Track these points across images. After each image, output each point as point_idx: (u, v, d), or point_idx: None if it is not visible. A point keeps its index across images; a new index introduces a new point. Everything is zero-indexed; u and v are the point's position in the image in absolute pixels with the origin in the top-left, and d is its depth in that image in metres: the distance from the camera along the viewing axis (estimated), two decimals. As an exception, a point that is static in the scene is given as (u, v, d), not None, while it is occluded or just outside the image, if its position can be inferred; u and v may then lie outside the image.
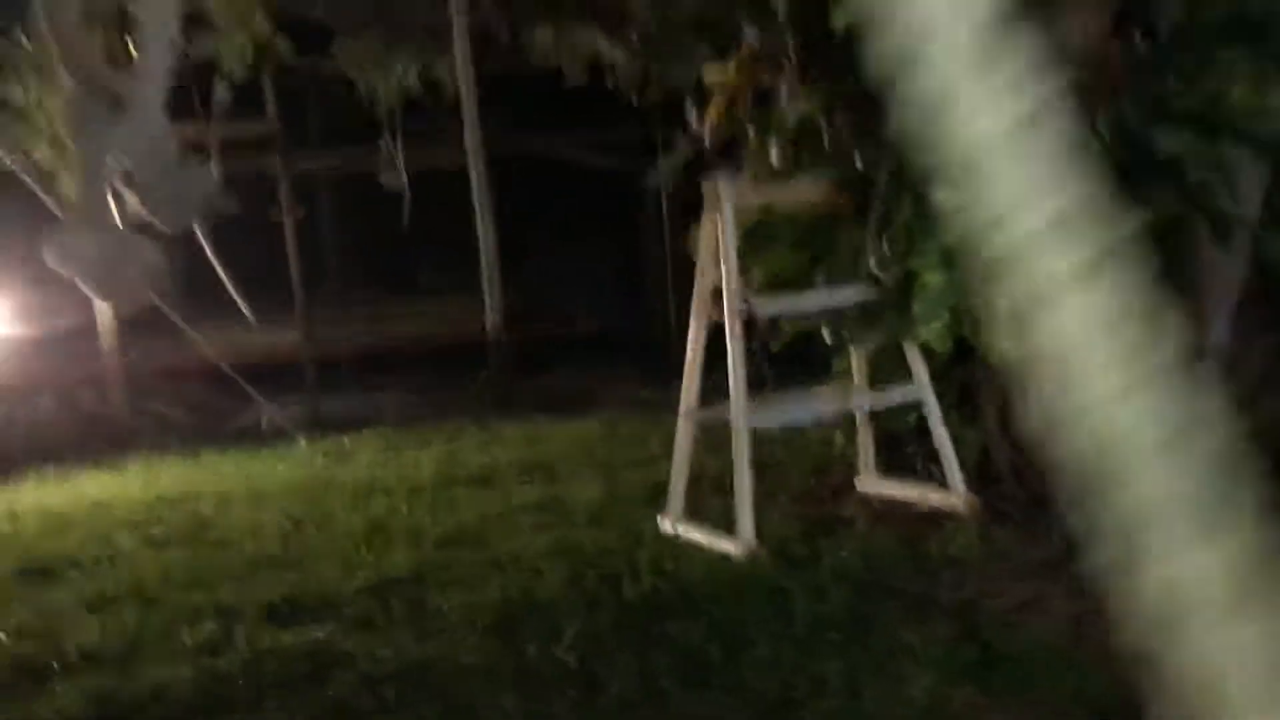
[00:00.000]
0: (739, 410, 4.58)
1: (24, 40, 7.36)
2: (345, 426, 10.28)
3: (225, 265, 10.89)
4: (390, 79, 8.63)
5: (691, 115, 5.69)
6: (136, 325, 11.24)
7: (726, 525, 4.74)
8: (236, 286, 8.76)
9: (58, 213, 6.92)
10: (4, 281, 10.11)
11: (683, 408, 5.03)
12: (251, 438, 10.36)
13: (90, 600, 4.86)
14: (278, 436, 10.49)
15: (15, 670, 4.10)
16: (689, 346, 4.95)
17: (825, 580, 4.21)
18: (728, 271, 4.63)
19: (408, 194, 11.61)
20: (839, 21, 4.21)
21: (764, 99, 5.47)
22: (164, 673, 3.94)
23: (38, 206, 10.81)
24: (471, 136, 10.50)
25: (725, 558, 4.54)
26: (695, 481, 5.36)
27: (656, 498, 5.95)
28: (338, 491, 7.05)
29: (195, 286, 12.47)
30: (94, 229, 2.88)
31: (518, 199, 11.61)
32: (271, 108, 10.77)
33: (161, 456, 9.57)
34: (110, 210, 2.97)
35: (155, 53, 2.94)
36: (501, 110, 11.13)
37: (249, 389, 9.62)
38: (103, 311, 10.75)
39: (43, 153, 8.33)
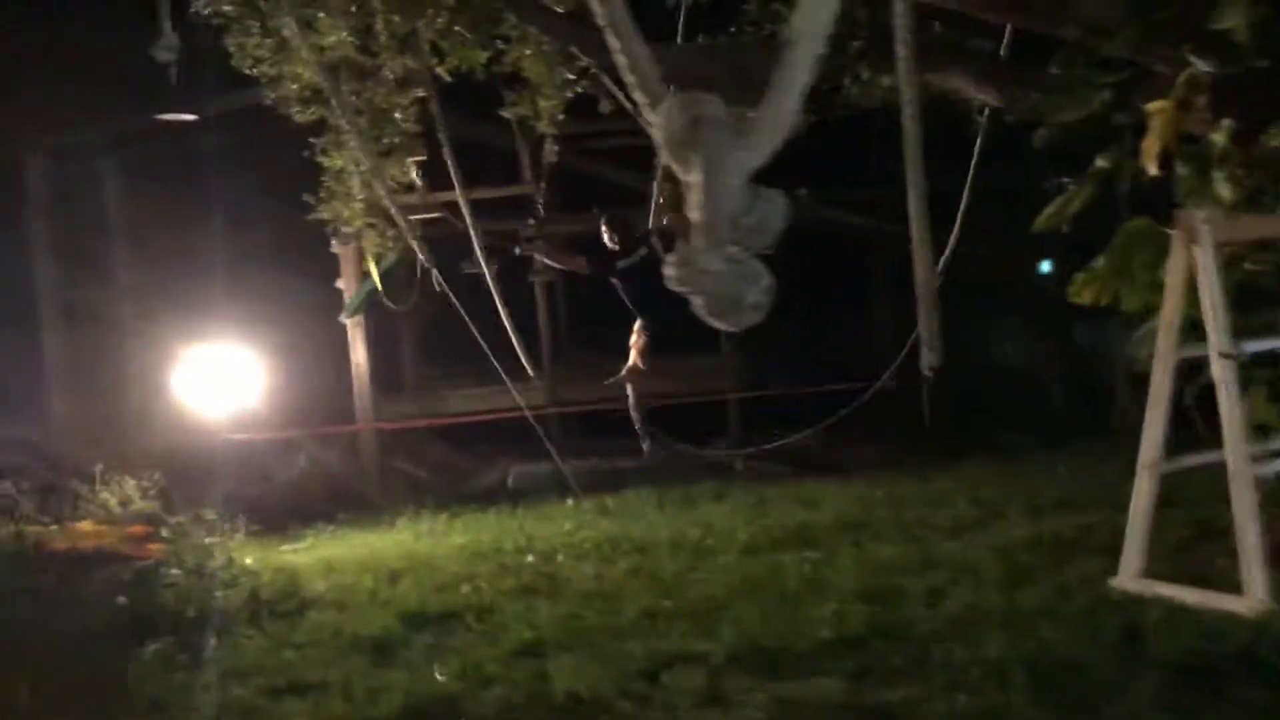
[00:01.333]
0: (1239, 456, 4.25)
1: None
2: (593, 486, 10.16)
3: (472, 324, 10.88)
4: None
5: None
6: (381, 384, 11.40)
7: (1206, 580, 4.40)
8: (521, 345, 8.71)
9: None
10: (262, 342, 10.27)
11: (1144, 458, 4.71)
12: (497, 497, 10.34)
13: (516, 649, 4.69)
14: (525, 495, 10.43)
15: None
16: (1152, 392, 4.65)
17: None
18: (1211, 310, 4.34)
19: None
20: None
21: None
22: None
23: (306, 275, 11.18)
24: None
25: (1231, 617, 4.16)
26: (1116, 533, 5.04)
27: (1057, 552, 5.64)
28: (667, 547, 6.85)
29: (431, 346, 12.65)
30: (716, 251, 2.71)
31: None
32: (528, 169, 10.91)
33: (416, 513, 9.60)
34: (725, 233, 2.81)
35: (801, 67, 2.80)
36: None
37: (548, 444, 9.48)
38: (359, 373, 10.88)
39: (351, 212, 8.49)
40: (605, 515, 8.81)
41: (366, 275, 10.54)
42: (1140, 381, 10.17)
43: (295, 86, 7.61)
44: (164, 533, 6.21)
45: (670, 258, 2.86)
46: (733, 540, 6.90)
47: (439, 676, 4.37)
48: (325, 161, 8.17)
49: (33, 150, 10.65)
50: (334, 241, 10.75)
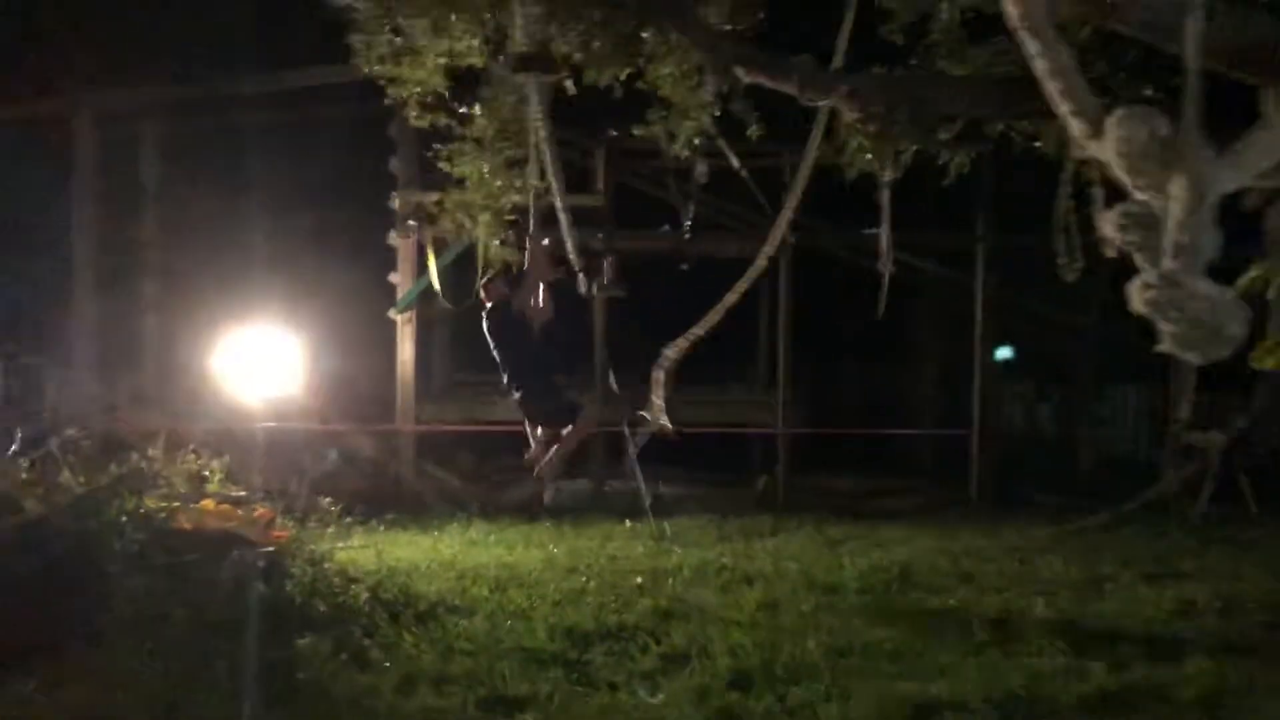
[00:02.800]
0: None
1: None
2: (636, 510, 9.93)
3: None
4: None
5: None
6: (425, 391, 11.06)
7: None
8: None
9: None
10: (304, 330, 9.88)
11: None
12: (532, 511, 10.06)
13: (729, 677, 4.44)
14: (562, 512, 10.17)
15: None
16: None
17: None
18: None
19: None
20: None
21: None
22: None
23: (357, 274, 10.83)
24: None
25: None
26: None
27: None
28: (779, 579, 6.65)
29: (474, 351, 12.31)
30: (1196, 279, 2.57)
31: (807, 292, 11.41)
32: (602, 181, 10.71)
33: (447, 523, 9.30)
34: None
35: None
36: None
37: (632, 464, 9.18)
38: (404, 372, 10.54)
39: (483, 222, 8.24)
40: (672, 541, 8.54)
41: (424, 271, 10.25)
42: (1187, 452, 10.31)
43: (418, 90, 7.31)
44: (285, 520, 5.85)
45: (1143, 278, 2.71)
46: (841, 577, 6.74)
47: (652, 699, 4.12)
48: (446, 168, 7.90)
49: (80, 112, 10.17)
50: (392, 233, 10.45)
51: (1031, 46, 2.96)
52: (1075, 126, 2.87)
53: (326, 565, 5.69)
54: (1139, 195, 2.78)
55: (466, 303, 9.94)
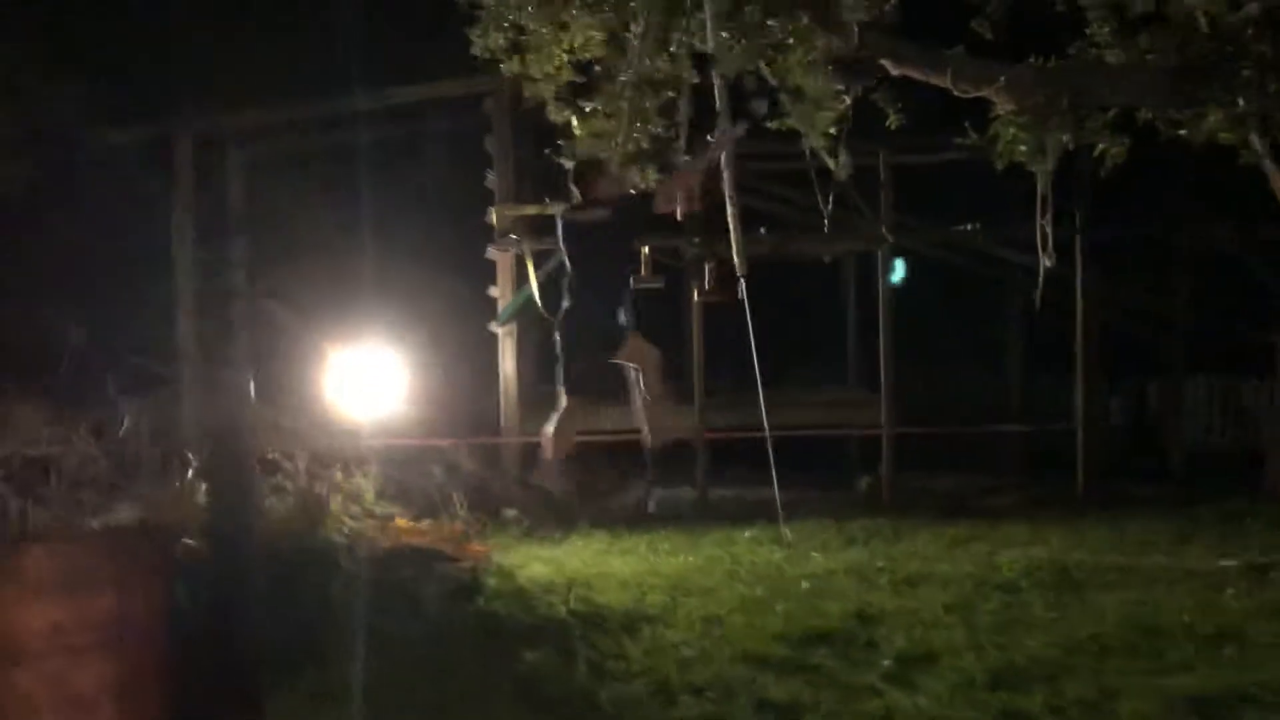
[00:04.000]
0: None
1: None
2: (741, 516, 9.89)
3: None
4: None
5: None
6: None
7: None
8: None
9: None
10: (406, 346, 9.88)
11: None
12: (636, 519, 10.07)
13: (990, 680, 4.40)
14: (666, 520, 10.14)
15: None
16: None
17: None
18: None
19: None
20: None
21: None
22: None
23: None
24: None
25: None
26: None
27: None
28: (959, 584, 6.60)
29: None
30: None
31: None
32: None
33: (567, 535, 9.27)
34: None
35: None
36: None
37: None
38: (507, 384, 10.54)
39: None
40: (796, 545, 8.49)
41: (524, 283, 10.25)
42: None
43: (550, 86, 7.33)
44: (476, 535, 5.84)
45: None
46: (1005, 576, 6.70)
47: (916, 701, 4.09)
48: (564, 162, 7.88)
49: (182, 133, 10.20)
50: (490, 247, 10.46)
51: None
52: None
53: (519, 579, 5.67)
54: None
55: (562, 313, 9.95)
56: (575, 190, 7.06)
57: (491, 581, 5.54)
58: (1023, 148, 6.56)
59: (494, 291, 10.50)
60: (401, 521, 5.71)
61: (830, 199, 8.75)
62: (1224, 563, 7.02)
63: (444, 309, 10.70)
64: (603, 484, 11.31)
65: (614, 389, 7.25)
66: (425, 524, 5.78)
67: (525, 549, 8.29)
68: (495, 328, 10.45)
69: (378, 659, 4.48)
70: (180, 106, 10.14)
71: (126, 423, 6.05)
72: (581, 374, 7.13)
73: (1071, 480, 10.92)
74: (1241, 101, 5.72)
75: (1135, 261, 12.07)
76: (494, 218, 10.39)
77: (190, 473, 5.86)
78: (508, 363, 10.50)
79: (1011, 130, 6.48)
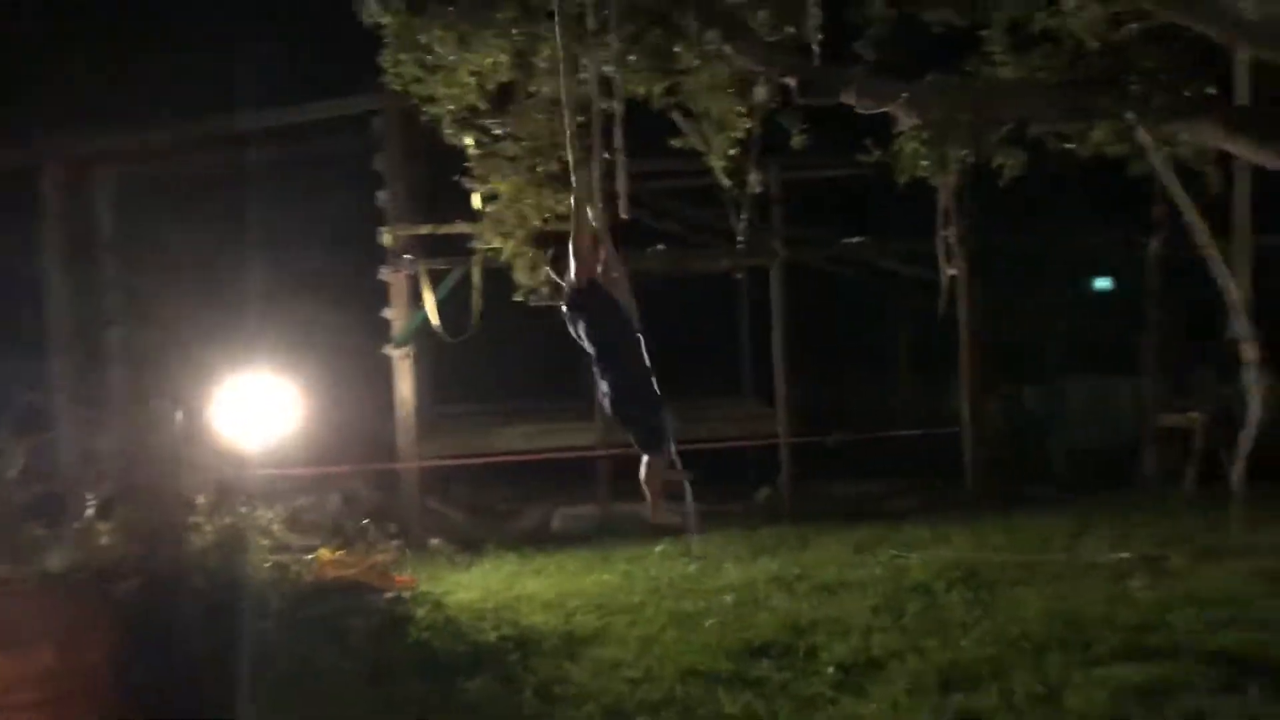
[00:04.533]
0: None
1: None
2: (641, 533, 9.87)
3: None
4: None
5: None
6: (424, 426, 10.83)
7: None
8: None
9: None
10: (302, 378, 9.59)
11: None
12: (541, 539, 9.97)
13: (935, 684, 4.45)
14: (571, 539, 10.07)
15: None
16: None
17: None
18: None
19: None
20: None
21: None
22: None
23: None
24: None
25: None
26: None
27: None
28: (861, 588, 6.71)
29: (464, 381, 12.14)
30: None
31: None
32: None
33: (473, 559, 9.12)
34: None
35: None
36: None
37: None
38: (403, 408, 10.32)
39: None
40: (707, 558, 8.53)
41: (420, 305, 10.07)
42: (1169, 436, 10.80)
43: (451, 108, 7.21)
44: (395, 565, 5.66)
45: None
46: (917, 579, 6.83)
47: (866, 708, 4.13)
48: (475, 187, 7.78)
49: (51, 159, 9.70)
50: (383, 269, 10.24)
51: None
52: None
53: (446, 607, 5.53)
54: None
55: (464, 335, 9.83)
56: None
57: (420, 611, 5.39)
58: (924, 163, 6.73)
59: (388, 314, 10.27)
60: (325, 553, 5.51)
61: (741, 215, 8.88)
62: (1120, 555, 7.32)
63: (336, 332, 10.40)
64: (504, 505, 11.19)
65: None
66: (344, 555, 5.57)
67: (445, 576, 8.09)
68: (391, 350, 10.22)
69: (316, 699, 4.32)
70: (50, 130, 9.63)
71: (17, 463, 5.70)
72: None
73: (963, 482, 11.25)
74: (1130, 115, 5.98)
75: (1012, 269, 12.52)
76: (387, 238, 10.16)
77: (90, 511, 5.57)
78: (404, 386, 10.27)
79: (913, 145, 6.65)
